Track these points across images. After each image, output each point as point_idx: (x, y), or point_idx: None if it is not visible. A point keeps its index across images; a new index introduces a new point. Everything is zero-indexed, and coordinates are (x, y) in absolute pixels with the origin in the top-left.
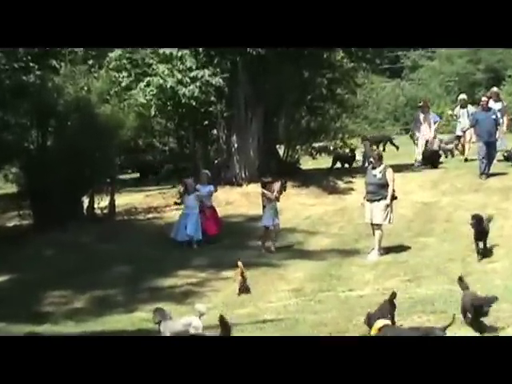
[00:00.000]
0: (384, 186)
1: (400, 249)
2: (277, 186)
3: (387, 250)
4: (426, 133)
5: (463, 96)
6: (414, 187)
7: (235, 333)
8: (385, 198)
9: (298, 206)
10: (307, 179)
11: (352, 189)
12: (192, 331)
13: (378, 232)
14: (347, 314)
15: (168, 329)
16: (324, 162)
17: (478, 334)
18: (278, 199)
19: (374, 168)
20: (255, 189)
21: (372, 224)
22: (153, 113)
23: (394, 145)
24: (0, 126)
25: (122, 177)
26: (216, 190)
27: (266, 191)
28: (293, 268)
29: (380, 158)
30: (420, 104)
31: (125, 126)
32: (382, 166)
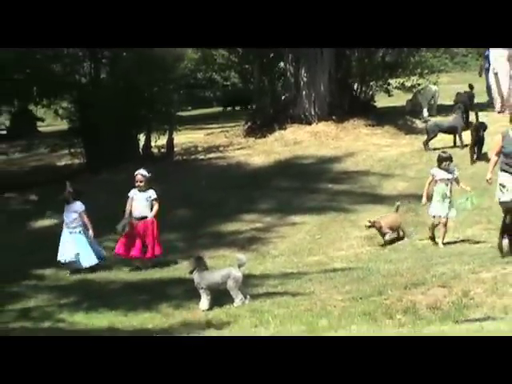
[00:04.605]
0: None
1: (483, 194)
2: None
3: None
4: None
5: None
6: None
7: (304, 282)
8: None
9: (372, 147)
10: (382, 118)
11: None
12: (231, 283)
13: None
14: (424, 263)
15: (204, 279)
16: (402, 99)
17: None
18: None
19: None
20: (326, 127)
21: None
22: None
23: None
24: (50, 56)
25: (180, 114)
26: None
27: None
28: (365, 214)
29: None
30: None
31: (184, 59)
32: None
